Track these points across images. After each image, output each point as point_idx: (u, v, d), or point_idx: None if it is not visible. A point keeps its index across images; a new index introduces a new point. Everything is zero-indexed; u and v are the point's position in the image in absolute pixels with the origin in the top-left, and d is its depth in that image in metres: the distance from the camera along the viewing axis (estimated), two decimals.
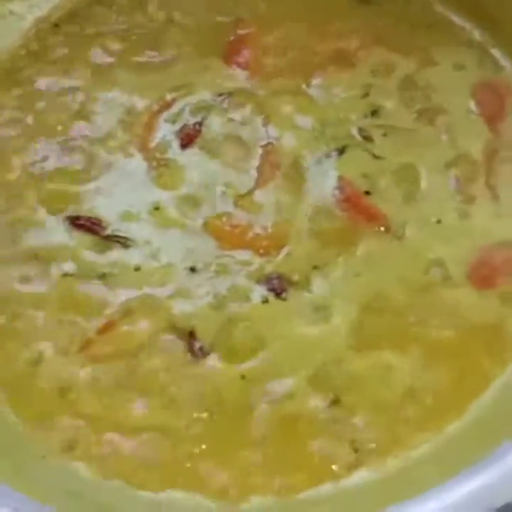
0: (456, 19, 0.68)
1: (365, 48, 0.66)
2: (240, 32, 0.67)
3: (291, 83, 0.65)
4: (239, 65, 0.66)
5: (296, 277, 0.59)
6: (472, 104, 0.64)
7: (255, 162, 0.63)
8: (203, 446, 0.56)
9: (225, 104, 0.65)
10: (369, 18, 0.67)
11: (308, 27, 0.67)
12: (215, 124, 0.65)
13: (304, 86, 0.65)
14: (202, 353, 0.58)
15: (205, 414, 0.57)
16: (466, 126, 0.64)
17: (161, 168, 0.63)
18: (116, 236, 0.61)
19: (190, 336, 0.58)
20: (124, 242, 0.61)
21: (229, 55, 0.67)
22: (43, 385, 0.58)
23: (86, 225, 0.62)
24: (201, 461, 0.56)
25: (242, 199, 0.62)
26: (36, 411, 0.57)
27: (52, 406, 0.57)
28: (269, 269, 0.60)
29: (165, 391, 0.57)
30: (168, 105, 0.65)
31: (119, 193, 0.63)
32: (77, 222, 0.62)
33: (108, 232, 0.62)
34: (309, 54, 0.66)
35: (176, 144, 0.64)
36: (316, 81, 0.65)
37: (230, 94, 0.65)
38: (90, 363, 0.58)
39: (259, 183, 0.62)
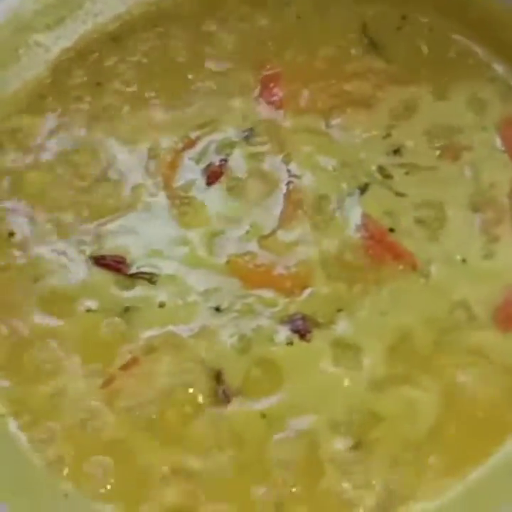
0: (479, 53, 0.67)
1: (383, 87, 0.66)
2: (268, 71, 0.68)
3: (311, 123, 0.66)
4: (272, 103, 0.67)
5: (320, 318, 0.59)
6: (497, 141, 0.64)
7: (278, 200, 0.63)
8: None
9: (248, 140, 0.65)
10: (383, 60, 0.67)
11: (326, 68, 0.67)
12: (238, 161, 0.65)
13: (323, 126, 0.66)
14: (226, 397, 0.58)
15: (225, 455, 0.57)
16: (491, 162, 0.63)
17: (183, 206, 0.64)
18: (141, 273, 0.62)
19: (217, 378, 0.58)
20: (150, 279, 0.62)
21: (261, 92, 0.67)
22: (66, 419, 0.58)
23: (110, 264, 0.62)
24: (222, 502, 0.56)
25: (266, 239, 0.62)
26: (59, 448, 0.58)
27: (76, 442, 0.58)
28: (292, 309, 0.60)
29: (184, 432, 0.57)
30: (192, 143, 0.66)
31: (144, 231, 0.63)
32: (101, 262, 0.62)
33: (133, 270, 0.62)
34: (327, 95, 0.67)
35: (200, 183, 0.65)
36: (335, 121, 0.66)
37: (252, 129, 0.66)
38: (113, 399, 0.58)
39: (283, 222, 0.63)
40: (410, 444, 0.56)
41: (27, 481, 0.57)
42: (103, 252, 0.63)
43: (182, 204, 0.64)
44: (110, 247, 0.63)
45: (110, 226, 0.64)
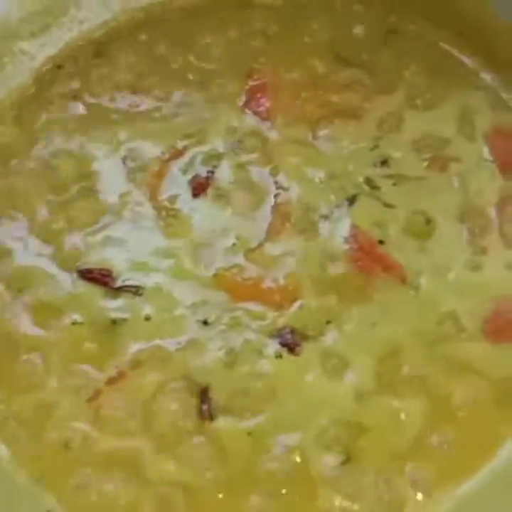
0: (467, 62, 0.67)
1: (370, 99, 0.66)
2: (255, 82, 0.67)
3: (299, 134, 0.65)
4: (259, 113, 0.66)
5: (309, 332, 0.59)
6: (485, 151, 0.64)
7: (266, 212, 0.63)
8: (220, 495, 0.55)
9: (235, 151, 0.65)
10: (368, 74, 0.67)
11: (313, 79, 0.67)
12: (225, 173, 0.64)
13: (310, 137, 0.65)
14: (209, 416, 0.57)
15: (211, 472, 0.56)
16: (478, 173, 0.63)
17: (169, 218, 0.63)
18: (127, 286, 0.61)
19: (203, 393, 0.57)
20: (135, 292, 0.61)
21: (247, 103, 0.66)
22: (50, 434, 0.57)
23: (97, 277, 0.61)
24: None
25: (253, 252, 0.61)
26: (43, 465, 0.57)
27: (60, 457, 0.57)
28: (281, 322, 0.59)
29: (170, 446, 0.57)
30: (179, 154, 0.65)
31: (129, 242, 0.62)
32: (88, 276, 0.61)
33: (119, 283, 0.61)
34: (315, 106, 0.66)
35: (186, 194, 0.64)
36: (322, 132, 0.65)
37: (239, 141, 0.65)
38: (98, 413, 0.57)
39: (270, 235, 0.62)
40: (396, 455, 0.56)
41: (9, 497, 0.56)
42: (89, 265, 0.62)
43: (168, 216, 0.63)
44: (96, 259, 0.62)
45: (96, 237, 0.63)
